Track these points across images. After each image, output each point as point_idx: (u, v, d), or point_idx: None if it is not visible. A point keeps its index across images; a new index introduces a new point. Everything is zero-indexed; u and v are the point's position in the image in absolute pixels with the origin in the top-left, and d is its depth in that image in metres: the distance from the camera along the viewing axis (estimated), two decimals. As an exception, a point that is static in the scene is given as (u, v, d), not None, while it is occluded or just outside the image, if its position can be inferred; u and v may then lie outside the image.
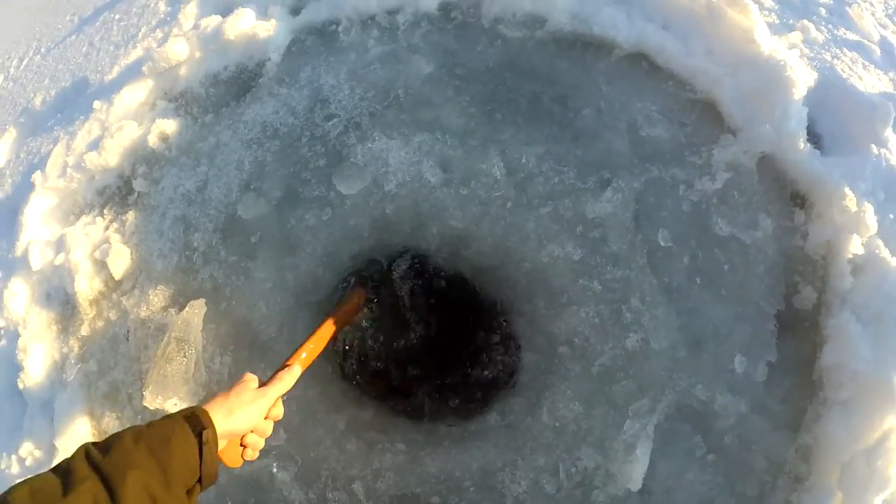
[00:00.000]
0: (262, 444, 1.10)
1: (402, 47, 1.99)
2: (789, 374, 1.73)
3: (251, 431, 1.07)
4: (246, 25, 2.11)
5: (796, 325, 1.75)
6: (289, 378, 1.20)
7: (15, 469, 1.88)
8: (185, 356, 1.78)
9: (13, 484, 0.78)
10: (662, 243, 1.77)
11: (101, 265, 2.00)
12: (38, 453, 1.89)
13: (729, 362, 1.70)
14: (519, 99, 1.90)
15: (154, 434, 0.88)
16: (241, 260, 1.88)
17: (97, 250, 2.02)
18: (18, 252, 2.14)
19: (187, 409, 0.96)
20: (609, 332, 1.73)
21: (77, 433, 1.88)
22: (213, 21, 2.16)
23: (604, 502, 1.66)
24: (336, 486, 1.73)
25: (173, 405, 1.80)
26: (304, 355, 1.37)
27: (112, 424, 1.90)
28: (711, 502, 1.66)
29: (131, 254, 1.99)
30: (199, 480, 0.91)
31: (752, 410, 1.69)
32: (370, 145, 1.85)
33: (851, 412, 1.59)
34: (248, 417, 1.04)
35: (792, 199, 1.84)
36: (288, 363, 1.27)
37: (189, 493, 0.90)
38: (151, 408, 1.80)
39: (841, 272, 1.71)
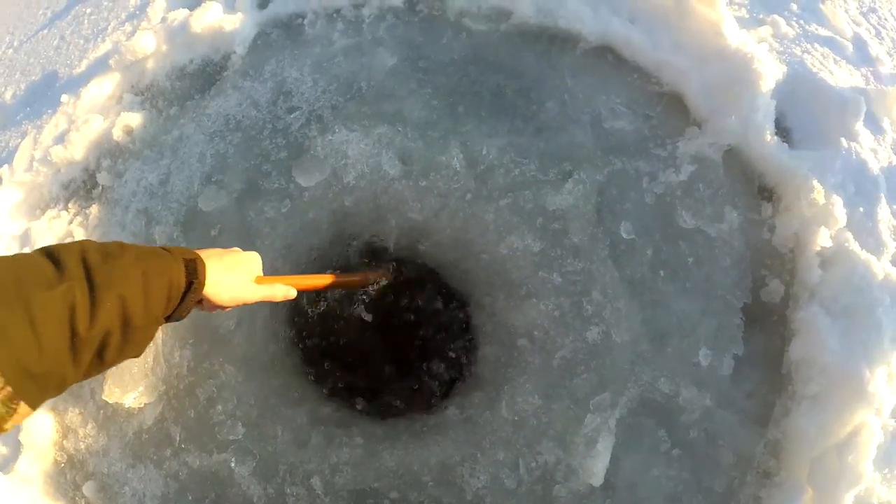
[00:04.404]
0: None
1: (367, 40, 1.97)
2: (757, 368, 1.69)
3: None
4: (213, 19, 2.09)
5: (764, 318, 1.72)
6: (284, 291, 1.21)
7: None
8: (143, 350, 1.77)
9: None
10: (625, 235, 1.75)
11: (66, 259, 2.00)
12: (4, 449, 1.87)
13: (693, 356, 1.67)
14: (482, 91, 1.88)
15: (153, 263, 0.88)
16: (201, 253, 1.86)
17: (61, 244, 2.01)
18: (-15, 247, 2.12)
19: (192, 254, 0.97)
20: (569, 324, 1.70)
21: (41, 428, 1.86)
22: (180, 14, 2.15)
23: (565, 497, 1.63)
24: (294, 481, 1.70)
25: (132, 399, 1.79)
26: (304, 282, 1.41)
27: (75, 419, 1.88)
28: (678, 498, 1.62)
29: (95, 248, 1.98)
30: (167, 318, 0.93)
31: (719, 405, 1.66)
32: (330, 137, 1.83)
33: (821, 407, 1.56)
34: (231, 299, 1.06)
35: (759, 192, 1.82)
36: (289, 282, 1.29)
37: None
38: (111, 402, 1.79)
39: (809, 265, 1.68)
